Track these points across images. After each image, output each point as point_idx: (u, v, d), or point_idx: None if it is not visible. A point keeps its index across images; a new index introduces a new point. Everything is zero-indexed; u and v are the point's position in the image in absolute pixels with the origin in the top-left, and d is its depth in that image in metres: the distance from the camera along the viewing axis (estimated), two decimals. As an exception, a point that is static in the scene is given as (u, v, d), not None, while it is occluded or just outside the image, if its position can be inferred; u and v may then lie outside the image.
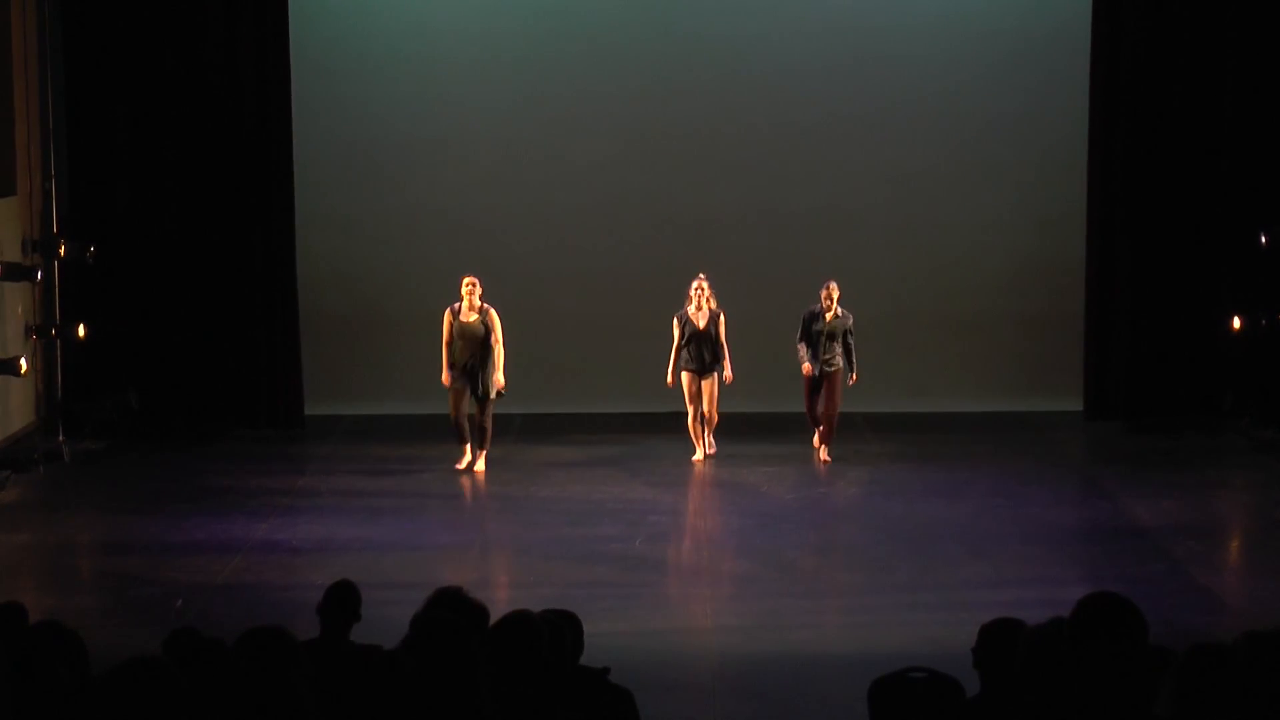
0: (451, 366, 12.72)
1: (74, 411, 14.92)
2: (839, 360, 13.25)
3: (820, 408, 13.24)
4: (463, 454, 12.97)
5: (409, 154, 15.92)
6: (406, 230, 15.97)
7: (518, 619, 4.72)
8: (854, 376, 13.30)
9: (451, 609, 5.00)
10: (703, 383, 13.17)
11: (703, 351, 13.11)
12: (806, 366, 13.15)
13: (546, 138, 15.97)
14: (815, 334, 13.20)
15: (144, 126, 15.09)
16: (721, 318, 13.18)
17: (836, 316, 13.24)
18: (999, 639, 4.92)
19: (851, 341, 13.26)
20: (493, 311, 12.84)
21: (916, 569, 10.53)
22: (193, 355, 15.31)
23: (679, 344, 13.10)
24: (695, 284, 13.18)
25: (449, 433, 13.21)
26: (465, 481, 13.04)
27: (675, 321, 13.16)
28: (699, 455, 13.23)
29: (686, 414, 13.21)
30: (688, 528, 11.70)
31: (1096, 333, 15.61)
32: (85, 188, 15.14)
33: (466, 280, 12.88)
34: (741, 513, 11.91)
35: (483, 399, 12.77)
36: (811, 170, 15.95)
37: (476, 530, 11.65)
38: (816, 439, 13.45)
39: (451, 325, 12.78)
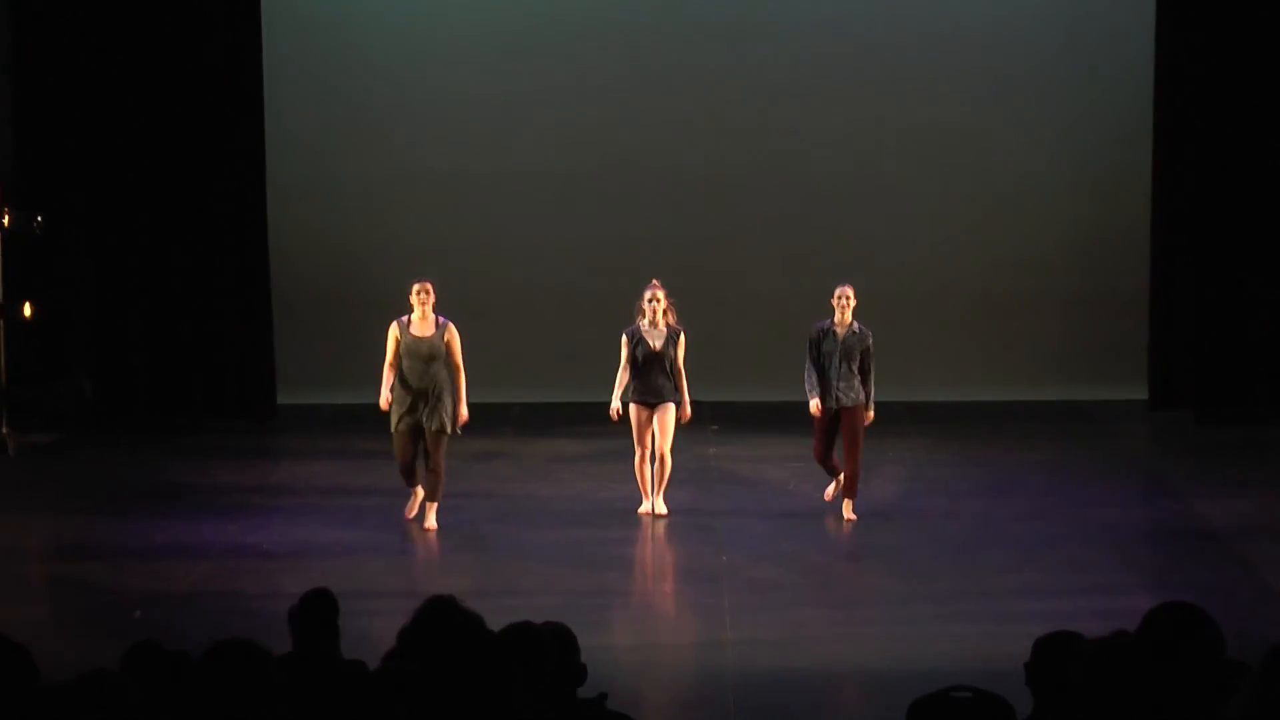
0: (396, 397, 11.23)
1: (20, 400, 14.96)
2: (858, 389, 11.55)
3: (838, 455, 11.61)
4: (413, 496, 11.48)
5: (395, 113, 15.94)
6: (392, 198, 16.00)
7: (518, 632, 4.71)
8: (869, 414, 11.57)
9: (443, 620, 4.99)
10: (655, 417, 11.59)
11: (656, 378, 11.55)
12: (815, 404, 11.48)
13: (548, 96, 15.97)
14: (826, 355, 11.57)
15: (99, 81, 15.08)
16: (681, 338, 11.66)
17: (853, 332, 11.59)
18: (1054, 654, 4.90)
19: (871, 365, 11.60)
20: (452, 327, 11.32)
21: (960, 576, 10.52)
22: (153, 337, 15.34)
23: (627, 367, 11.59)
24: (648, 294, 11.60)
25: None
26: (459, 480, 13.05)
27: (624, 339, 11.67)
28: (646, 506, 11.68)
29: (634, 455, 11.70)
30: (704, 529, 11.70)
31: (1162, 312, 15.57)
32: (32, 150, 15.14)
33: (418, 286, 11.25)
34: (765, 513, 11.91)
35: (436, 433, 11.22)
36: (840, 131, 15.94)
37: (470, 532, 11.66)
38: (831, 491, 11.86)
39: (399, 342, 11.25)
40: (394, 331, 11.33)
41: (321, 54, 15.85)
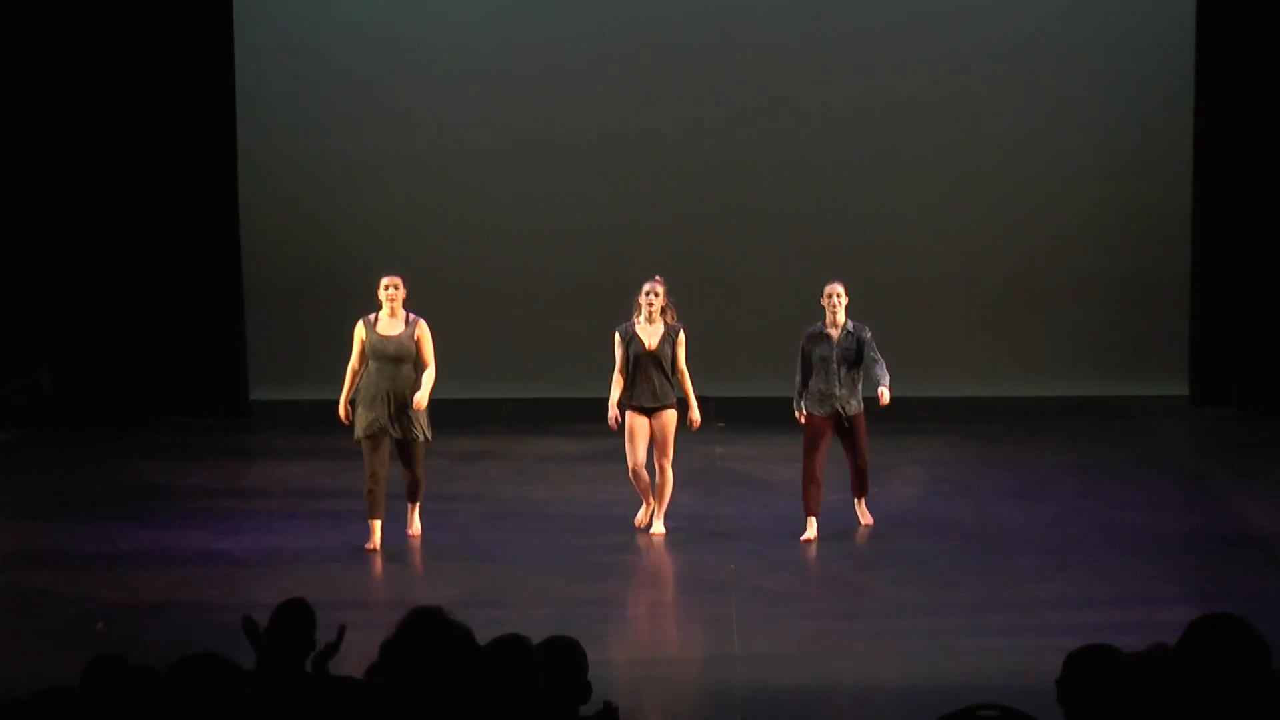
0: (361, 402, 11.00)
1: (-26, 396, 14.99)
2: (858, 398, 11.33)
3: (819, 464, 11.30)
4: (372, 531, 11.02)
5: (377, 87, 15.93)
6: (374, 179, 15.99)
7: (508, 645, 4.71)
8: (885, 396, 11.20)
9: (429, 633, 4.99)
10: (653, 424, 11.31)
11: (653, 381, 11.26)
12: (799, 416, 11.33)
13: (542, 70, 15.97)
14: (821, 362, 11.29)
15: (53, 53, 15.07)
16: (680, 336, 11.37)
17: (848, 331, 11.32)
18: (1088, 669, 4.91)
19: (877, 354, 11.35)
20: (422, 323, 11.10)
21: (987, 585, 10.52)
22: (116, 329, 15.34)
23: (621, 369, 11.29)
24: (646, 289, 11.34)
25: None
26: (445, 482, 13.05)
27: (616, 339, 11.37)
28: (645, 514, 11.50)
29: (627, 466, 11.39)
30: (711, 535, 11.69)
31: (1204, 300, 15.57)
32: (-16, 125, 15.17)
33: (386, 281, 11.11)
34: (775, 517, 11.90)
35: (410, 443, 11.04)
36: (857, 107, 15.92)
37: (458, 538, 11.66)
38: (811, 533, 11.24)
39: (364, 342, 11.08)
40: (359, 331, 11.11)
41: (299, 21, 15.85)
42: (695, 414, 11.42)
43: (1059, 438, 14.49)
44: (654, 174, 16.00)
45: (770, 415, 14.28)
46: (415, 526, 11.29)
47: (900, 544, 11.51)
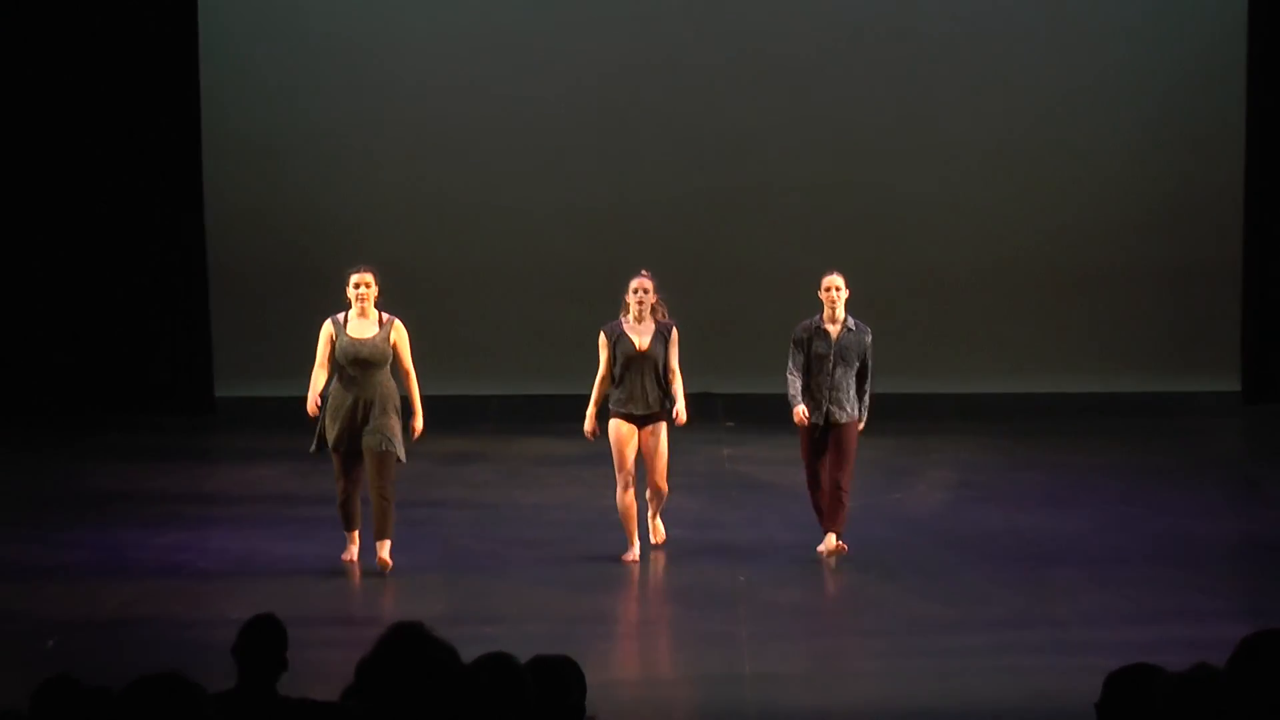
0: (329, 412, 10.78)
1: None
2: (852, 402, 11.13)
3: (825, 474, 11.12)
4: (350, 541, 10.99)
5: (354, 56, 15.93)
6: (350, 156, 15.99)
7: (495, 664, 4.71)
8: (860, 424, 11.14)
9: (410, 652, 4.99)
10: (643, 434, 11.07)
11: (644, 386, 11.01)
12: (800, 411, 11.08)
13: (534, 33, 15.98)
14: (816, 359, 11.11)
15: None
16: (674, 335, 11.12)
17: (848, 329, 11.14)
18: (1129, 691, 4.90)
19: (869, 366, 11.15)
20: (399, 324, 10.87)
21: (1020, 599, 10.52)
22: (69, 322, 15.34)
23: (606, 374, 11.08)
24: (634, 286, 11.09)
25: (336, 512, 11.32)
26: (429, 486, 13.06)
27: (602, 339, 11.14)
28: (634, 553, 11.12)
29: (615, 485, 11.13)
30: (717, 544, 11.70)
31: (1259, 288, 15.57)
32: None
33: (356, 278, 10.85)
34: (789, 525, 11.91)
35: (381, 455, 10.75)
36: (883, 78, 15.92)
37: (442, 547, 11.67)
38: (829, 544, 11.16)
39: (333, 344, 10.85)
40: (327, 331, 10.87)
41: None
42: (681, 413, 11.03)
43: (1097, 438, 14.49)
44: (656, 151, 16.00)
45: (782, 413, 14.24)
46: (385, 555, 10.88)
47: (923, 554, 11.51)
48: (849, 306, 11.20)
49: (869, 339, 11.17)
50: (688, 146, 15.99)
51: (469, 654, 4.89)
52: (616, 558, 11.07)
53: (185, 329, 15.47)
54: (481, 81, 15.93)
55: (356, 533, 11.03)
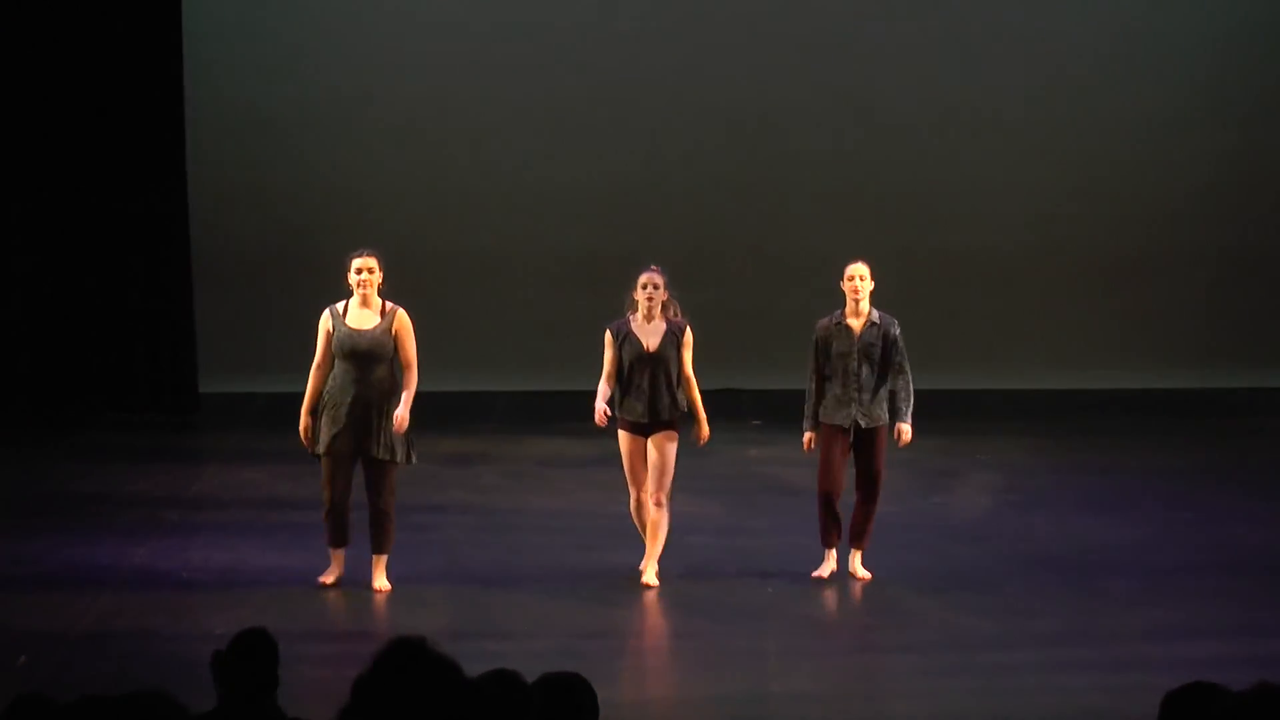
0: (325, 410, 10.68)
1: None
2: (883, 403, 10.99)
3: (855, 487, 10.99)
4: (333, 561, 10.86)
5: (346, 27, 15.93)
6: (344, 134, 16.01)
7: (498, 682, 4.72)
8: (905, 434, 10.97)
9: (410, 669, 5.01)
10: (650, 445, 10.91)
11: (655, 390, 10.86)
12: (806, 439, 10.97)
13: (545, 3, 15.95)
14: (839, 360, 10.92)
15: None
16: (687, 336, 10.97)
17: (872, 323, 10.97)
18: (1188, 711, 4.91)
19: (904, 363, 10.97)
20: (402, 314, 10.77)
21: (1069, 612, 10.53)
22: (42, 313, 15.35)
23: (612, 374, 10.95)
24: (643, 281, 10.95)
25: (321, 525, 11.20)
26: (430, 490, 13.08)
27: (607, 337, 11.02)
28: (651, 573, 10.95)
29: (628, 498, 11.02)
30: (743, 552, 11.71)
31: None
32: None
33: (358, 263, 10.75)
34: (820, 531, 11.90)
35: (382, 463, 10.76)
36: (916, 51, 15.91)
37: (444, 556, 11.68)
38: (827, 567, 11.04)
39: (329, 337, 10.75)
40: (325, 323, 10.74)
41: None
42: (704, 428, 10.95)
43: (1152, 438, 14.48)
44: (674, 129, 15.99)
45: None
46: (382, 581, 10.83)
47: (966, 563, 11.51)
48: (876, 299, 11.07)
49: (896, 330, 10.98)
50: (709, 124, 15.99)
51: (474, 671, 4.91)
52: (633, 567, 11.08)
53: (167, 319, 15.48)
54: (487, 55, 15.93)
55: (343, 552, 10.88)
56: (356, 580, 10.94)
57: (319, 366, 10.77)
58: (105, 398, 15.43)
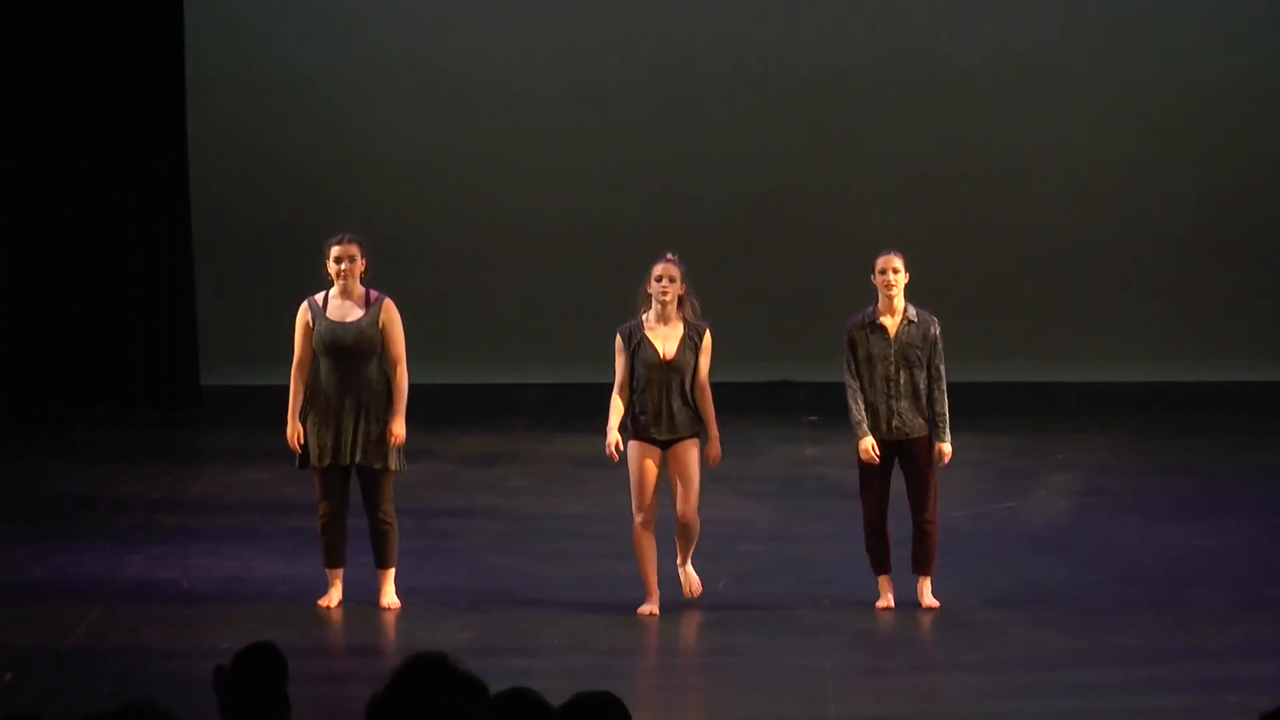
0: (312, 418, 10.68)
1: None
2: (923, 414, 10.75)
3: (886, 504, 10.81)
4: (332, 583, 10.82)
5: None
6: (358, 103, 16.01)
7: (518, 702, 4.73)
8: (946, 454, 10.73)
9: (430, 687, 5.01)
10: (670, 457, 10.68)
11: (669, 404, 10.61)
12: (866, 445, 10.63)
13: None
14: (872, 362, 10.69)
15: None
16: (706, 340, 10.68)
17: (909, 322, 10.72)
18: (1287, 736, 4.91)
19: (943, 370, 10.73)
20: (389, 304, 10.67)
21: (1159, 628, 10.50)
22: (30, 300, 15.38)
23: (624, 385, 10.69)
24: (657, 273, 10.69)
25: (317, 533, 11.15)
26: (452, 493, 13.10)
27: (618, 342, 10.80)
28: (649, 606, 10.69)
29: (633, 520, 10.76)
30: (797, 561, 11.70)
31: None
32: None
33: (338, 250, 10.60)
34: (882, 539, 11.90)
35: (378, 471, 10.69)
36: (989, 11, 15.85)
37: (468, 565, 11.70)
38: (886, 599, 10.82)
39: (309, 332, 10.65)
40: (303, 316, 10.65)
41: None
42: (716, 447, 10.68)
43: (1251, 436, 14.41)
44: (721, 94, 15.94)
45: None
46: (390, 597, 10.81)
47: (1041, 574, 11.49)
48: (938, 284, 10.92)
49: (937, 330, 10.70)
50: (760, 89, 15.93)
51: (500, 690, 4.92)
52: (674, 577, 11.05)
53: (166, 304, 15.49)
54: (511, 13, 15.92)
55: (341, 572, 10.83)
56: (366, 595, 10.94)
57: (300, 365, 10.72)
58: (97, 390, 15.45)
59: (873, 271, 10.76)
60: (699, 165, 15.95)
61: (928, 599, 10.81)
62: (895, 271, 10.64)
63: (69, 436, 14.78)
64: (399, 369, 10.65)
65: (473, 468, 13.67)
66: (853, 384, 10.73)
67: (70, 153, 15.26)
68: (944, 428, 10.68)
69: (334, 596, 10.82)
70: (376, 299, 10.69)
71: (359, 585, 10.99)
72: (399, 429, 10.57)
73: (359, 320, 10.64)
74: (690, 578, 10.85)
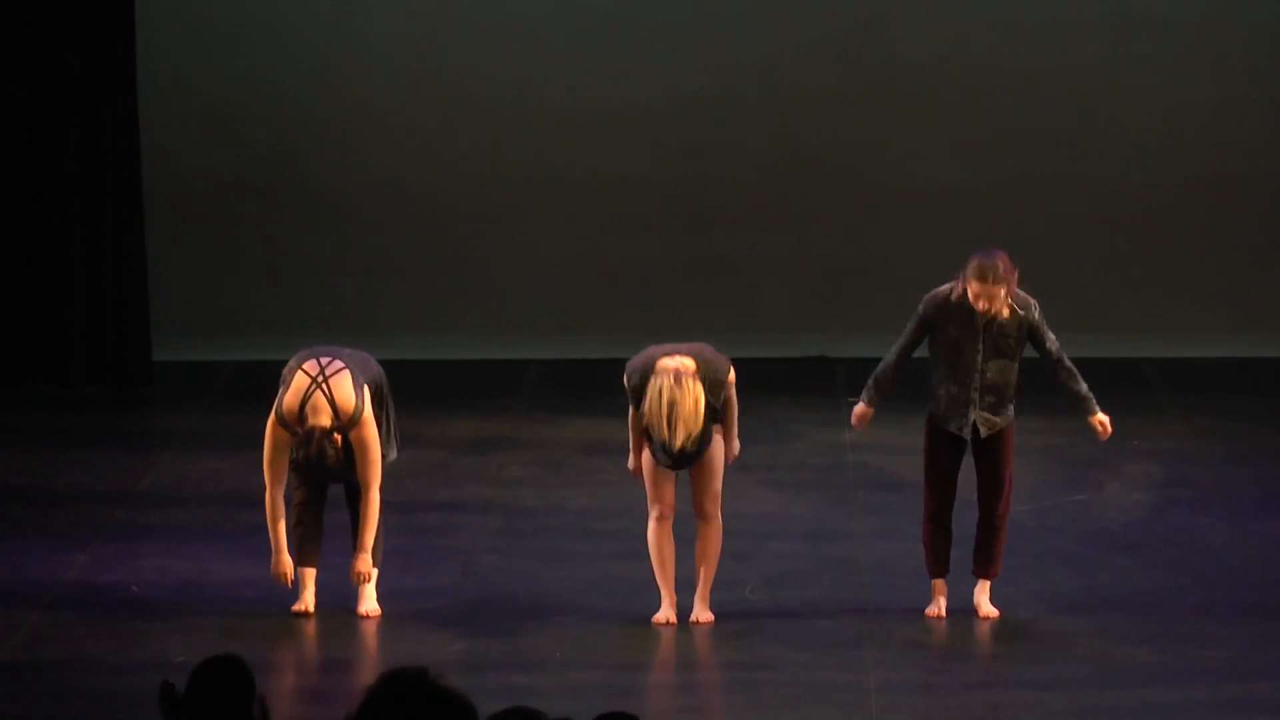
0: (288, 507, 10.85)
1: None
2: (1009, 407, 10.77)
3: (951, 501, 10.91)
4: (304, 583, 10.88)
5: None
6: (332, 42, 16.00)
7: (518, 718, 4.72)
8: (1107, 425, 10.94)
9: (409, 707, 5.00)
10: (691, 473, 10.89)
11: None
12: (861, 406, 10.97)
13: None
14: (953, 348, 10.66)
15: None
16: (729, 386, 10.85)
17: (1008, 307, 10.59)
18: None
19: (1056, 347, 10.74)
20: (366, 401, 10.70)
21: (1250, 640, 10.54)
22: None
23: (638, 447, 10.93)
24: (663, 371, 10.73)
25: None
26: (441, 484, 13.10)
27: (631, 416, 10.89)
28: (665, 613, 10.80)
29: (648, 517, 10.94)
30: (836, 563, 11.70)
31: None
32: None
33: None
34: (933, 538, 11.90)
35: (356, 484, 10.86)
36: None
37: (460, 565, 11.71)
38: (938, 605, 10.90)
39: (275, 443, 10.71)
40: (272, 434, 10.69)
41: None
42: (735, 444, 10.89)
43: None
44: (750, 34, 15.94)
45: (920, 386, 14.25)
46: (370, 603, 10.91)
47: (1116, 577, 11.53)
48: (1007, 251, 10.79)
49: (1037, 314, 10.64)
50: (796, 27, 15.92)
51: (491, 709, 4.91)
52: (693, 581, 11.04)
53: (112, 269, 15.51)
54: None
55: (313, 574, 10.87)
56: (351, 597, 10.95)
57: (277, 483, 10.71)
58: (34, 367, 15.47)
59: (964, 273, 10.53)
60: (729, 113, 15.92)
61: (986, 606, 10.84)
62: (992, 299, 10.45)
63: (1, 420, 14.79)
64: (370, 493, 10.67)
65: (465, 455, 13.69)
66: (895, 354, 10.81)
67: (5, 110, 15.25)
68: (1092, 399, 10.81)
69: (307, 600, 10.83)
70: (353, 411, 10.60)
71: (334, 590, 10.99)
72: (364, 563, 10.68)
73: (336, 442, 10.57)
74: (701, 611, 10.81)
